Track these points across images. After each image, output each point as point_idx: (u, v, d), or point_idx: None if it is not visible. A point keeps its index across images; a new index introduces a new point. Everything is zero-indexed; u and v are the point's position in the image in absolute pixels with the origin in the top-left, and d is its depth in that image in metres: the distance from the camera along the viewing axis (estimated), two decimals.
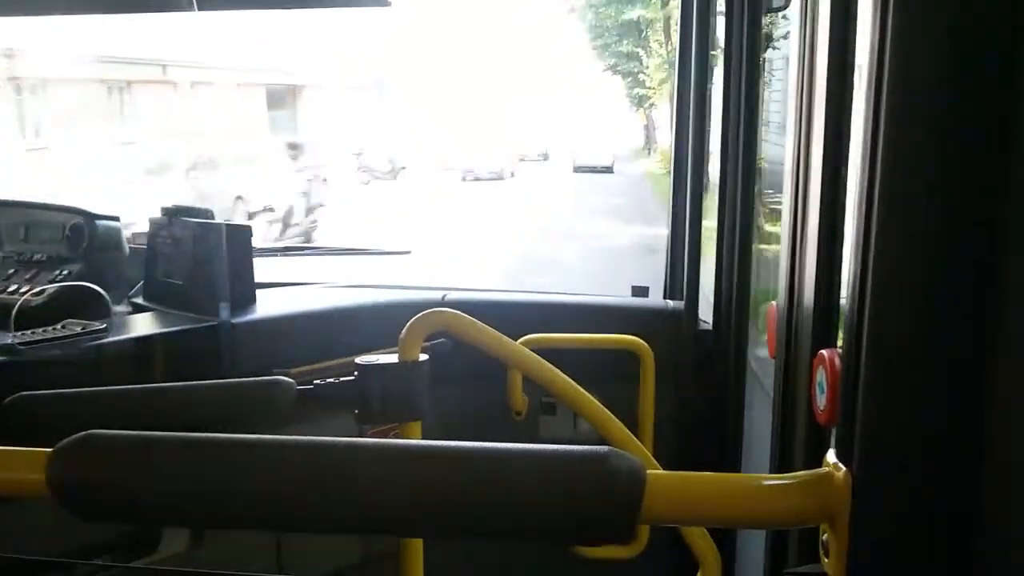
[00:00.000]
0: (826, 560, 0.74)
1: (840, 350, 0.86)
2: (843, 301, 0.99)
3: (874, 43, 0.67)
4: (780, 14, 1.92)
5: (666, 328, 2.12)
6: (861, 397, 0.69)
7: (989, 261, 0.65)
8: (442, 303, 2.15)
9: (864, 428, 0.68)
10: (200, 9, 2.01)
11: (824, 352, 1.10)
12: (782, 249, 1.25)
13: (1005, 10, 0.63)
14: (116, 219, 2.29)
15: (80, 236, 2.21)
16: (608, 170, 23.88)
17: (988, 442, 0.66)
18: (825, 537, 0.74)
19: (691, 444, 2.11)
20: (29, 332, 1.74)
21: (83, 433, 0.72)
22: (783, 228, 1.25)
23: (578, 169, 24.12)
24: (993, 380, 0.65)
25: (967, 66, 0.65)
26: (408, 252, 2.87)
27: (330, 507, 0.68)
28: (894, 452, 0.68)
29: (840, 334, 1.00)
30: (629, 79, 27.06)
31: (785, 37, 1.85)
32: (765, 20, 1.88)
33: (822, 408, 1.11)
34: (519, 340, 1.88)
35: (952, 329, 0.67)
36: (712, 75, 2.12)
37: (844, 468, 0.69)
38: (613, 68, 27.17)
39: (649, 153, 26.93)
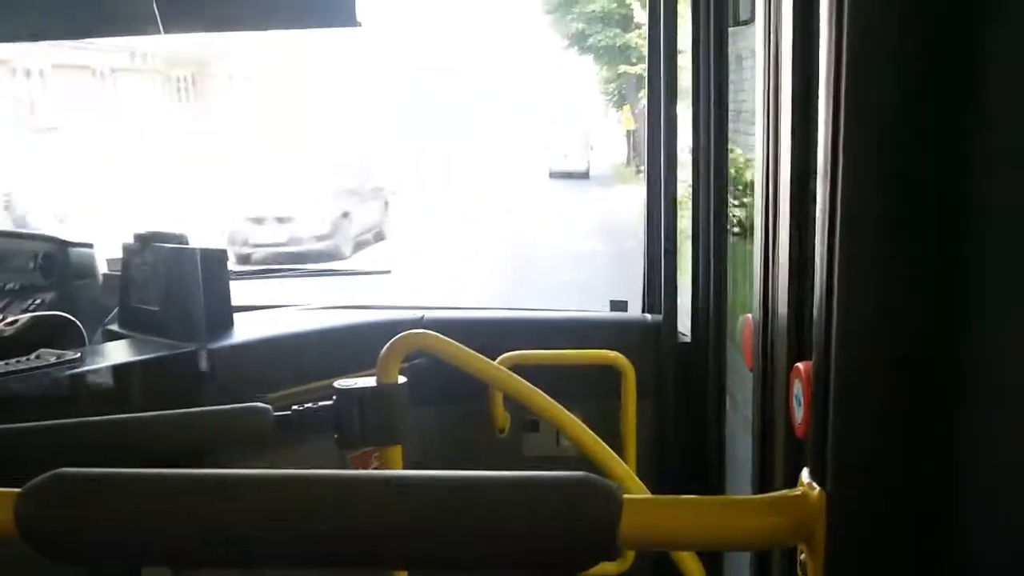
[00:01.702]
0: None
1: None
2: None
3: (831, 61, 0.68)
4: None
5: (646, 342, 2.12)
6: (832, 416, 0.69)
7: (956, 273, 0.66)
8: (420, 323, 2.14)
9: (836, 447, 0.69)
10: (166, 32, 2.00)
11: (800, 365, 1.11)
12: (755, 261, 1.26)
13: (956, 25, 0.64)
14: (90, 246, 2.27)
15: (52, 264, 2.19)
16: (584, 176, 23.64)
17: (961, 457, 0.66)
18: (803, 556, 0.74)
19: (674, 458, 2.11)
20: (2, 363, 1.71)
21: (52, 472, 0.70)
22: (755, 241, 1.26)
23: (554, 175, 23.80)
24: (965, 394, 0.66)
25: (922, 81, 0.66)
26: (388, 272, 2.87)
27: (305, 542, 0.68)
28: (867, 470, 0.68)
29: None
30: (606, 58, 19.19)
31: None
32: (730, 34, 1.90)
33: (799, 421, 1.12)
34: (499, 358, 1.88)
35: (921, 343, 0.68)
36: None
37: (818, 488, 0.70)
38: (580, 41, 18.33)
39: (637, 172, 18.05)
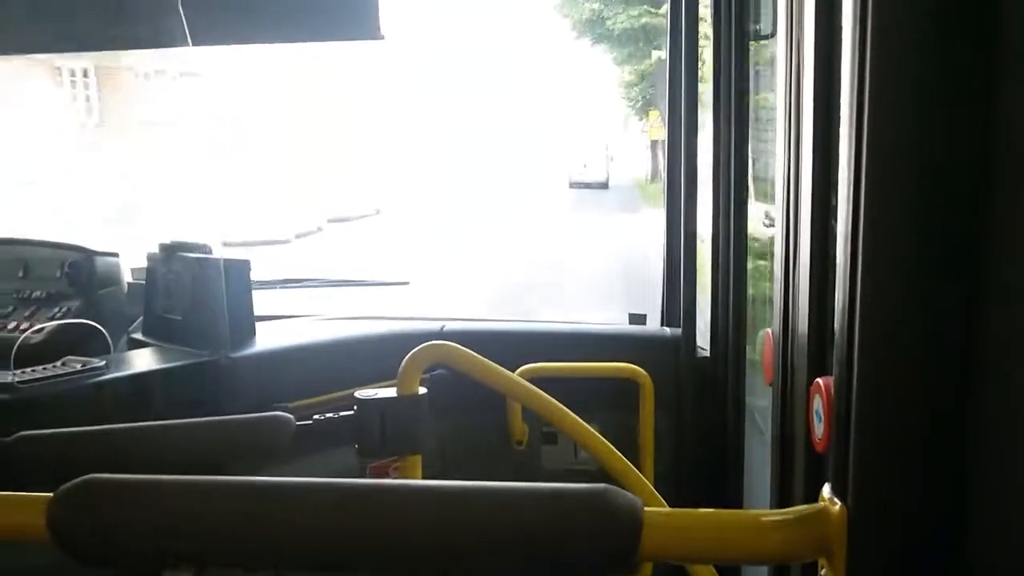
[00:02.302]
0: None
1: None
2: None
3: (853, 76, 0.68)
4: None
5: (664, 356, 2.12)
6: (854, 430, 0.69)
7: (976, 288, 0.66)
8: (440, 334, 2.16)
9: (858, 461, 0.69)
10: (195, 44, 2.04)
11: (820, 380, 1.11)
12: (775, 276, 1.26)
13: (981, 35, 0.64)
14: (115, 255, 2.30)
15: (79, 273, 2.22)
16: (603, 186, 23.59)
17: (981, 472, 0.66)
18: (824, 572, 0.74)
19: (692, 472, 2.11)
20: (29, 370, 1.74)
21: (84, 477, 0.72)
22: (775, 255, 1.26)
23: (574, 185, 23.78)
24: (984, 408, 0.66)
25: (946, 95, 0.66)
26: (407, 283, 2.88)
27: (329, 548, 0.69)
28: (889, 486, 0.68)
29: None
30: (628, 47, 15.84)
31: None
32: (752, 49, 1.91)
33: (819, 436, 1.11)
34: (518, 370, 1.88)
35: (942, 358, 0.68)
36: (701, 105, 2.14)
37: (839, 503, 0.70)
38: (596, 27, 14.92)
39: None
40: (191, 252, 2.04)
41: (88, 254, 2.26)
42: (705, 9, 2.07)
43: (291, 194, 15.42)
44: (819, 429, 1.12)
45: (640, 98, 17.87)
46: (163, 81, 16.52)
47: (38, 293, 2.24)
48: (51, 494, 0.72)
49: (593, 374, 2.05)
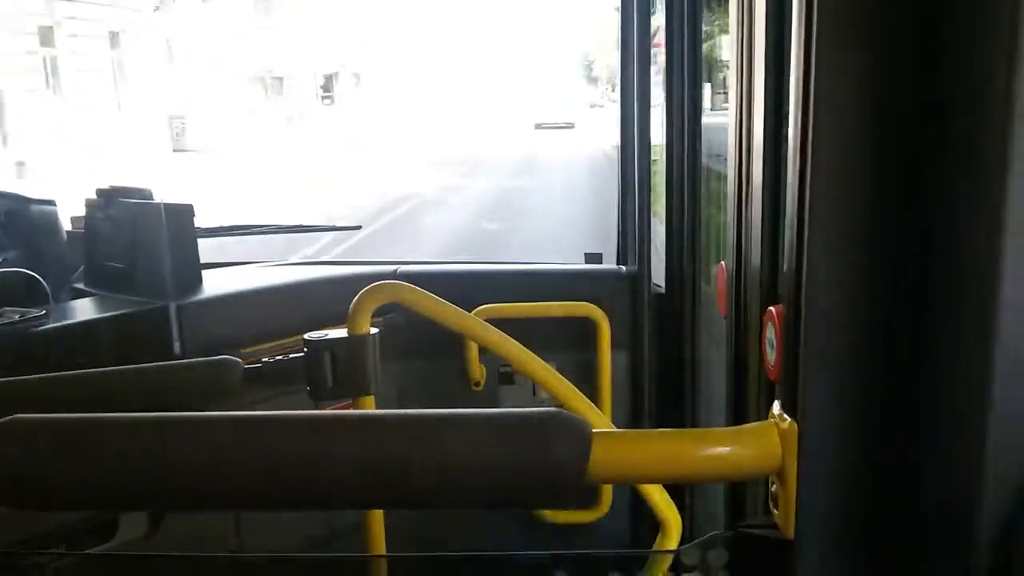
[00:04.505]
0: (775, 511, 0.74)
1: None
2: None
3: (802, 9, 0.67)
4: None
5: (620, 293, 2.13)
6: (803, 349, 0.69)
7: (922, 217, 0.66)
8: (394, 276, 2.13)
9: (807, 379, 0.69)
10: None
11: (772, 309, 1.11)
12: (728, 209, 1.26)
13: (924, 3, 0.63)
14: (52, 203, 2.22)
15: (14, 221, 2.14)
16: (569, 126, 23.43)
17: (926, 391, 0.66)
18: (774, 488, 0.74)
19: (649, 405, 2.13)
20: None
21: (7, 419, 0.69)
22: (728, 188, 1.26)
23: (539, 126, 23.59)
24: (927, 329, 0.66)
25: (890, 42, 0.65)
26: (359, 228, 2.83)
27: (268, 483, 0.66)
28: (836, 402, 0.68)
29: None
30: None
31: None
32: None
33: (772, 363, 1.12)
34: (473, 311, 1.87)
35: (887, 280, 0.68)
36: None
37: (789, 419, 0.69)
38: None
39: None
40: (130, 197, 1.97)
41: (24, 202, 2.17)
42: None
43: None
44: (772, 357, 1.12)
45: None
46: None
47: None
48: None
49: (549, 314, 2.05)
